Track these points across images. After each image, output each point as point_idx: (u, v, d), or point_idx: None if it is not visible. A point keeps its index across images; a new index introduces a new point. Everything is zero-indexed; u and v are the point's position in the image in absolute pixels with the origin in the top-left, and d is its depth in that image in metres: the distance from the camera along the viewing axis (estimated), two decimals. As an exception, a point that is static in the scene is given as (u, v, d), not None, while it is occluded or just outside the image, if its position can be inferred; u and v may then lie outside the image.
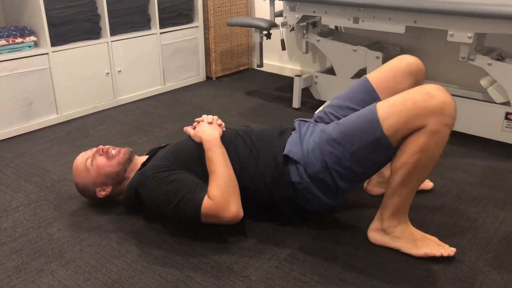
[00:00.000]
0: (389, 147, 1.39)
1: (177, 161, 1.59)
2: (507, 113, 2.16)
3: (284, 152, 1.55)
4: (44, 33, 2.52)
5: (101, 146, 1.72)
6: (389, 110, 1.37)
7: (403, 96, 1.38)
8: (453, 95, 2.38)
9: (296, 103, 2.83)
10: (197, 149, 1.61)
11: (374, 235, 1.55)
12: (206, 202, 1.48)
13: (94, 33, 2.76)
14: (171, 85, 3.26)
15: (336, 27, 3.01)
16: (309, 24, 2.82)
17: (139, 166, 1.70)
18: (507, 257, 1.49)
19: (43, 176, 2.06)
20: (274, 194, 1.57)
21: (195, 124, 1.70)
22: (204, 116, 1.70)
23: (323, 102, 2.80)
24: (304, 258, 1.49)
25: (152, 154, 1.73)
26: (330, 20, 2.55)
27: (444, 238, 1.57)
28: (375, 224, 1.55)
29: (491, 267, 1.44)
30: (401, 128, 1.35)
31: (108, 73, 2.86)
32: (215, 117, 1.70)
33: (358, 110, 1.56)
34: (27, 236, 1.63)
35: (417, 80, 1.64)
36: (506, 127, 2.18)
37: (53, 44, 2.58)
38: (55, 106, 2.66)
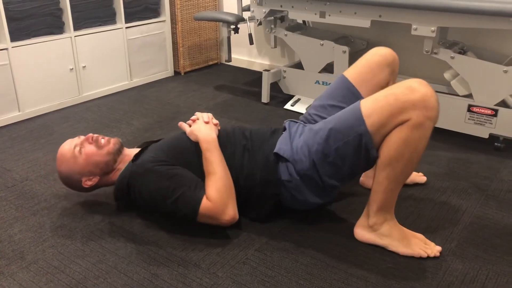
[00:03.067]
0: (369, 143, 1.38)
1: (174, 156, 1.57)
2: (470, 106, 2.21)
3: (275, 150, 1.55)
4: (3, 27, 2.43)
5: (90, 134, 1.66)
6: (372, 106, 1.38)
7: (385, 91, 1.39)
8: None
9: (265, 97, 2.83)
10: (194, 146, 1.59)
11: (361, 232, 1.54)
12: (205, 203, 1.47)
13: (56, 27, 2.68)
14: (138, 80, 3.20)
15: (304, 21, 3.01)
16: (277, 19, 2.82)
17: (130, 157, 1.66)
18: (469, 246, 1.52)
19: (4, 175, 1.99)
20: (261, 192, 1.56)
21: (189, 122, 1.67)
22: (199, 114, 1.68)
23: (291, 96, 2.81)
24: (272, 253, 1.49)
25: (144, 147, 1.69)
26: (297, 15, 2.55)
27: (409, 227, 1.59)
28: (361, 221, 1.54)
29: (454, 256, 1.47)
30: (385, 123, 1.35)
31: (72, 68, 2.79)
32: (210, 116, 1.68)
33: (341, 107, 1.59)
34: (-14, 238, 1.57)
35: (393, 69, 1.67)
36: (468, 119, 2.23)
37: (13, 39, 2.49)
38: (16, 103, 2.58)
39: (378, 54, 1.67)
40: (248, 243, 1.54)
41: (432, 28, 2.14)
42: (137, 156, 1.63)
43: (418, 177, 1.92)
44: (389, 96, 1.35)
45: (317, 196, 1.54)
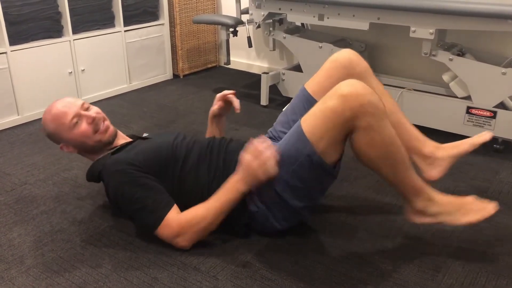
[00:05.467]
0: (320, 162, 1.38)
1: (151, 165, 1.52)
2: (468, 107, 2.21)
3: None
4: (2, 31, 2.43)
5: (93, 114, 1.60)
6: (312, 123, 1.37)
7: (321, 104, 1.37)
8: (416, 90, 2.46)
9: (264, 100, 2.83)
10: (173, 160, 1.55)
11: (416, 218, 1.47)
12: (166, 226, 1.45)
13: (55, 31, 2.68)
14: (137, 83, 3.21)
15: (302, 24, 3.02)
16: (276, 21, 2.82)
17: (114, 146, 1.65)
18: (469, 248, 1.52)
19: (3, 180, 1.99)
20: (229, 220, 1.52)
21: (258, 147, 1.42)
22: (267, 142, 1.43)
23: (290, 99, 2.81)
24: (271, 256, 1.49)
25: (130, 141, 1.67)
26: (295, 17, 2.56)
27: (409, 230, 1.60)
28: (408, 209, 1.48)
29: (454, 258, 1.47)
30: (331, 135, 1.35)
31: (71, 72, 2.79)
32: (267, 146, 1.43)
33: None
34: (-15, 243, 1.57)
35: (350, 72, 1.62)
36: (467, 120, 2.24)
37: (12, 43, 2.49)
38: (15, 106, 2.57)
39: (332, 60, 1.66)
40: (248, 246, 1.54)
41: (431, 31, 2.15)
42: (118, 150, 1.61)
43: (479, 138, 1.65)
44: (326, 111, 1.34)
45: (286, 221, 1.52)
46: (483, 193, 1.85)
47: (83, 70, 2.85)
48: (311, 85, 1.68)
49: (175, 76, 3.46)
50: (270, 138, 1.70)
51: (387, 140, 1.35)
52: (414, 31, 2.19)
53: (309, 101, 1.63)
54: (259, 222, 1.53)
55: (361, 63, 1.65)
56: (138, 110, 2.79)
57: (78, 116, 1.59)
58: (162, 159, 1.55)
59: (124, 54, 3.06)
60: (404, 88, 2.44)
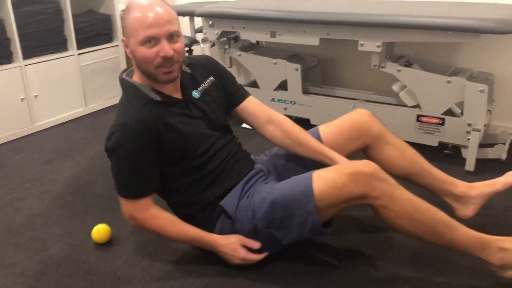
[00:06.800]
0: (314, 222, 1.37)
1: (165, 148, 1.40)
2: (418, 115, 2.29)
3: (221, 202, 1.48)
4: None
5: (171, 51, 1.34)
6: (322, 185, 1.35)
7: (335, 172, 1.36)
8: (368, 101, 2.53)
9: (222, 117, 2.84)
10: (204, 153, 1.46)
11: (503, 273, 1.34)
12: (132, 206, 1.42)
13: (4, 57, 2.62)
14: (94, 106, 3.16)
15: (257, 41, 3.06)
16: (231, 39, 2.85)
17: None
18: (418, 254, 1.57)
19: (-48, 214, 1.91)
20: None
21: None
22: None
23: (248, 115, 2.83)
24: (229, 279, 1.48)
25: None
26: (249, 35, 2.60)
27: (361, 241, 1.62)
28: (491, 267, 1.36)
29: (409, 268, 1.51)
30: (336, 203, 1.35)
31: (24, 98, 2.72)
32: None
33: (305, 160, 1.57)
34: None
35: (368, 135, 1.64)
36: (418, 128, 2.31)
37: (-41, 71, 2.43)
38: (-35, 137, 2.50)
39: (348, 119, 1.65)
40: (208, 267, 1.53)
41: (378, 44, 2.22)
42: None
43: (510, 177, 1.63)
44: (337, 182, 1.33)
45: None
46: (435, 199, 1.90)
47: (36, 95, 2.79)
48: (325, 131, 1.65)
49: (133, 97, 3.43)
50: (265, 170, 1.62)
51: (409, 210, 1.33)
52: (362, 45, 2.26)
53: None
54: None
55: (375, 125, 1.65)
56: (95, 134, 2.75)
57: (157, 40, 1.33)
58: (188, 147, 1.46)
59: (79, 78, 3.01)
60: (357, 99, 2.51)
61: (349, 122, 1.66)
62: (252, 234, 1.46)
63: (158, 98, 1.42)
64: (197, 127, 1.47)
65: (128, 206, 1.44)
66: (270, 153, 1.72)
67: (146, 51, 1.33)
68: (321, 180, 1.36)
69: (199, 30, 2.96)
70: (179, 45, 1.36)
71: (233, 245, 1.46)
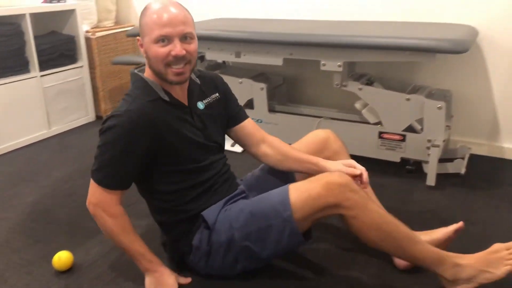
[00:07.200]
0: (292, 229, 1.40)
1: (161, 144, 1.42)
2: (380, 132, 2.35)
3: (202, 212, 1.49)
4: None
5: (182, 51, 1.36)
6: (298, 196, 1.40)
7: (310, 183, 1.41)
8: (332, 118, 2.57)
9: (189, 137, 2.83)
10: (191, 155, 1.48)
11: None
12: (100, 195, 1.41)
13: (-37, 80, 2.57)
14: (58, 128, 3.11)
15: (223, 60, 3.09)
16: (197, 59, 2.86)
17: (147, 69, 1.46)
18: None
19: None
20: (175, 238, 1.54)
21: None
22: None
23: (215, 134, 2.83)
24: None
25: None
26: (214, 55, 2.62)
27: (332, 256, 1.64)
28: (441, 282, 1.43)
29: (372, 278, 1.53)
30: (312, 213, 1.39)
31: (-16, 121, 2.66)
32: None
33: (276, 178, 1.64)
34: None
35: (330, 148, 1.71)
36: (380, 145, 2.37)
37: None
38: None
39: (314, 134, 1.75)
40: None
41: (339, 63, 2.28)
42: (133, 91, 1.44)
43: (453, 227, 1.59)
44: (312, 191, 1.38)
45: (220, 269, 1.52)
46: (398, 214, 1.95)
47: (-3, 118, 2.73)
48: (296, 147, 1.70)
49: (98, 117, 3.39)
50: (249, 188, 1.66)
51: (378, 221, 1.39)
52: (324, 65, 2.31)
53: None
54: (196, 260, 1.52)
55: (337, 142, 1.74)
56: (59, 156, 2.70)
57: (170, 40, 1.36)
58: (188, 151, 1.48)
59: (42, 100, 2.96)
60: (322, 117, 2.55)
61: (315, 137, 1.74)
62: (226, 247, 1.46)
63: (166, 98, 1.44)
64: (196, 136, 1.49)
65: (96, 192, 1.42)
66: (252, 174, 1.76)
67: (159, 50, 1.36)
68: (297, 191, 1.41)
69: (165, 51, 2.95)
70: (192, 46, 1.41)
71: (167, 284, 1.47)
